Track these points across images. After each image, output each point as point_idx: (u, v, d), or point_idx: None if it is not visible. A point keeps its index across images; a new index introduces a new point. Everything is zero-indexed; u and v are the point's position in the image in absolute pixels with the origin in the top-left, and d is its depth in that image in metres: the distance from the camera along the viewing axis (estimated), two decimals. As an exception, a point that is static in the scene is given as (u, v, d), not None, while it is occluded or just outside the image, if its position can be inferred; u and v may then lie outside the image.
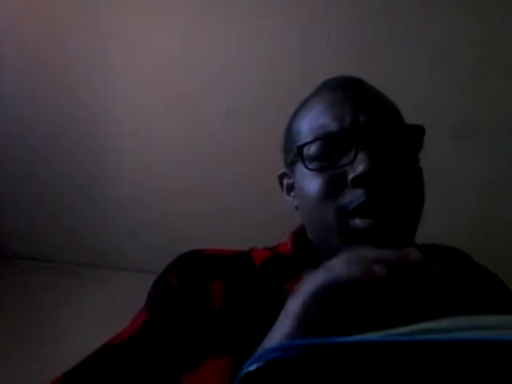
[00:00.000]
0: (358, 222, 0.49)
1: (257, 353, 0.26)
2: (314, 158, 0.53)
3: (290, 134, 0.61)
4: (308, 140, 0.54)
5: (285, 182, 0.63)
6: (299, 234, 0.61)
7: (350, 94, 0.56)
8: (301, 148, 0.53)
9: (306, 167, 0.53)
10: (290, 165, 0.59)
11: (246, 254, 0.59)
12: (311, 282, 0.36)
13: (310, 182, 0.53)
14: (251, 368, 0.24)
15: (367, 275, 0.34)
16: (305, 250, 0.58)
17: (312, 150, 0.53)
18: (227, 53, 1.29)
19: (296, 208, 0.59)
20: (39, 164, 1.52)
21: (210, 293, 0.53)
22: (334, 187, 0.51)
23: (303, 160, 0.53)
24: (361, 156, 0.49)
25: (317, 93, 0.60)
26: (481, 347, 0.22)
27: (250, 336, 0.47)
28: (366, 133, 0.51)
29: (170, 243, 1.19)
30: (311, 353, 0.24)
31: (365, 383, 0.23)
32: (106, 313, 1.35)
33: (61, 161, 1.51)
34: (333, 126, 0.53)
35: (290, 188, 0.61)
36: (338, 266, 0.36)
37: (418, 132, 0.55)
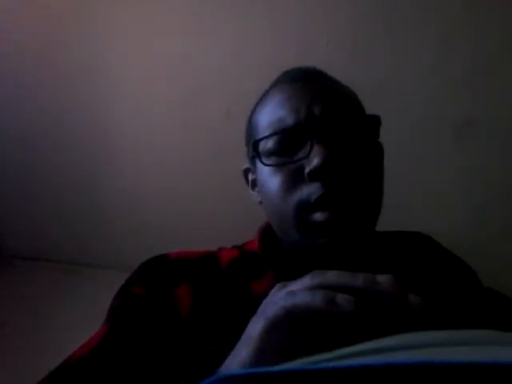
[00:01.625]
0: (315, 215, 0.48)
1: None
2: (271, 153, 0.52)
3: (249, 127, 0.60)
4: (265, 134, 0.53)
5: (249, 177, 0.62)
6: (267, 231, 0.60)
7: (307, 86, 0.55)
8: (256, 143, 0.53)
9: (263, 163, 0.52)
10: (252, 160, 0.58)
11: (214, 255, 0.58)
12: (271, 307, 0.34)
13: (269, 178, 0.52)
14: None
15: (330, 306, 0.31)
16: (272, 247, 0.57)
17: (269, 144, 0.52)
18: (227, 53, 1.29)
19: (260, 203, 0.59)
20: (39, 164, 1.52)
21: (176, 300, 0.51)
22: (291, 182, 0.50)
23: (259, 156, 0.52)
24: (316, 149, 0.49)
25: (275, 84, 0.59)
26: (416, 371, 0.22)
27: (220, 342, 0.46)
28: (321, 125, 0.50)
29: (169, 243, 1.19)
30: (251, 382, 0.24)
31: None
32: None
33: (61, 161, 1.51)
34: (289, 120, 0.52)
35: (254, 183, 0.60)
36: (299, 293, 0.33)
37: (374, 122, 0.55)
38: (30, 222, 1.63)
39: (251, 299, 0.49)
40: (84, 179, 1.53)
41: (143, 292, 0.52)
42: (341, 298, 0.31)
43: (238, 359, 0.34)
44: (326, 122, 0.51)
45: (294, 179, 0.50)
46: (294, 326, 0.32)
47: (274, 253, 0.56)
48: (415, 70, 1.24)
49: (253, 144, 0.53)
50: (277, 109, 0.54)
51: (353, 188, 0.49)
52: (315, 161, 0.48)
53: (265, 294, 0.48)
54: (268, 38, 1.25)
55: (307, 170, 0.49)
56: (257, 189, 0.60)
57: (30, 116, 1.46)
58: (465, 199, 1.32)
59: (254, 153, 0.53)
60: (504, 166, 1.28)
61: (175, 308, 0.51)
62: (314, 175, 0.48)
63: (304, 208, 0.49)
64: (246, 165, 0.62)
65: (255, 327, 0.34)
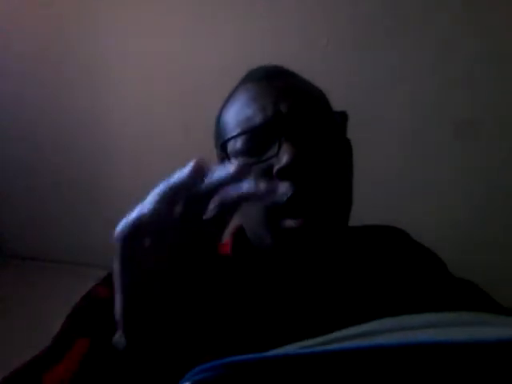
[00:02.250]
0: (287, 222, 0.48)
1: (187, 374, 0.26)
2: (240, 154, 0.51)
3: (218, 128, 0.59)
4: (232, 134, 0.52)
5: None
6: (239, 234, 0.59)
7: (273, 84, 0.54)
8: (225, 144, 0.52)
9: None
10: (221, 161, 0.57)
11: None
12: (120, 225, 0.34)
13: None
14: None
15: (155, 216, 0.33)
16: (245, 250, 0.56)
17: (237, 145, 0.51)
18: (227, 53, 1.28)
19: None
20: (39, 164, 1.52)
21: None
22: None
23: (228, 157, 0.51)
24: (285, 147, 0.48)
25: (241, 84, 0.58)
26: (399, 351, 0.22)
27: (194, 344, 0.45)
28: (289, 122, 0.50)
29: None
30: (233, 371, 0.24)
31: None
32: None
33: (61, 161, 1.51)
34: (256, 119, 0.51)
35: None
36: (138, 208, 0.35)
37: (342, 119, 0.54)
38: (29, 222, 1.63)
39: (225, 304, 0.48)
40: (84, 179, 1.53)
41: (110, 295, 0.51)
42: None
43: (117, 301, 0.33)
44: (293, 119, 0.50)
45: (263, 179, 0.49)
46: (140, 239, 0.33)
47: (247, 257, 0.55)
48: (415, 70, 1.24)
49: (221, 145, 0.52)
50: (243, 108, 0.53)
51: (323, 187, 0.49)
52: (284, 159, 0.47)
53: (237, 303, 0.47)
54: (268, 38, 1.25)
55: (276, 168, 0.48)
56: None
57: (30, 116, 1.46)
58: (465, 199, 1.32)
59: (223, 154, 0.52)
60: (504, 166, 1.28)
61: None
62: (283, 174, 0.47)
63: (275, 210, 0.48)
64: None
65: (115, 257, 0.33)
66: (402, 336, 0.25)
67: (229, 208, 0.31)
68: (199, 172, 0.31)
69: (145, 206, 0.34)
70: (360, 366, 0.23)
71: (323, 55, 1.23)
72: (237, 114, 0.54)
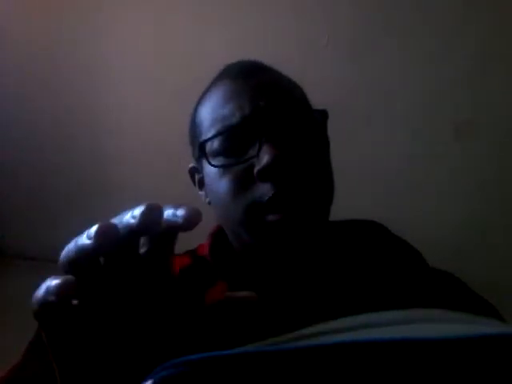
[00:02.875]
0: (267, 217, 0.47)
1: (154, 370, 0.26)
2: (218, 154, 0.50)
3: (193, 126, 0.58)
4: (210, 135, 0.51)
5: (196, 176, 0.60)
6: (217, 234, 0.58)
7: (250, 81, 0.53)
8: (203, 144, 0.50)
9: (211, 164, 0.49)
10: (198, 160, 0.56)
11: None
12: None
13: (217, 179, 0.50)
14: None
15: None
16: (223, 252, 0.55)
17: (215, 144, 0.50)
18: (227, 53, 1.28)
19: (209, 203, 0.57)
20: (39, 164, 1.52)
21: None
22: (241, 183, 0.48)
23: (207, 157, 0.50)
24: (265, 147, 0.47)
25: (217, 81, 0.57)
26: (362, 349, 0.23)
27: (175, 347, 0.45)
28: (268, 121, 0.48)
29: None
30: (193, 368, 0.24)
31: None
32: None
33: (61, 160, 1.51)
34: (234, 118, 0.50)
35: (201, 183, 0.58)
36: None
37: (322, 116, 0.53)
38: (29, 221, 1.63)
39: (205, 309, 0.48)
40: (84, 179, 1.53)
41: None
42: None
43: None
44: (272, 117, 0.49)
45: (244, 180, 0.48)
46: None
47: (225, 259, 0.54)
48: (415, 70, 1.24)
49: (199, 145, 0.51)
50: (220, 107, 0.52)
51: (303, 185, 0.48)
52: (265, 159, 0.46)
53: (217, 305, 0.47)
54: (268, 37, 1.25)
55: (256, 169, 0.47)
56: (204, 189, 0.57)
57: (31, 116, 1.46)
58: (465, 199, 1.32)
59: (201, 153, 0.51)
60: (504, 166, 1.28)
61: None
62: (264, 175, 0.46)
63: (256, 210, 0.47)
64: (192, 164, 0.60)
65: None
66: (369, 333, 0.26)
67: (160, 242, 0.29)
68: (104, 238, 0.27)
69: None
70: (323, 364, 0.23)
71: (323, 55, 1.23)
72: (213, 112, 0.53)
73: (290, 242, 0.47)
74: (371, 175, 1.28)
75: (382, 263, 0.54)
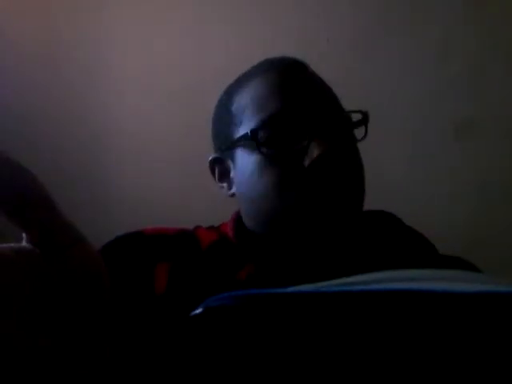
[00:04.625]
0: (319, 206, 0.49)
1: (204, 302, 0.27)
2: (264, 144, 0.50)
3: (228, 116, 0.57)
4: (258, 124, 0.51)
5: (217, 168, 0.60)
6: (239, 220, 0.59)
7: (297, 76, 0.54)
8: (254, 132, 0.50)
9: (261, 153, 0.50)
10: (227, 150, 0.56)
11: (191, 234, 0.56)
12: None
13: (262, 169, 0.50)
14: (193, 313, 0.25)
15: None
16: (247, 237, 0.56)
17: (263, 134, 0.51)
18: (227, 53, 1.29)
19: (232, 195, 0.57)
20: (39, 163, 1.52)
21: (153, 276, 0.49)
22: (289, 175, 0.49)
23: (258, 146, 0.50)
24: (316, 141, 0.48)
25: (259, 72, 0.57)
26: (408, 297, 0.24)
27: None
28: (317, 117, 0.50)
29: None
30: (248, 302, 0.25)
31: (298, 332, 0.25)
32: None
33: (61, 160, 1.51)
34: (284, 111, 0.51)
35: (224, 174, 0.59)
36: None
37: (364, 118, 0.56)
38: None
39: (236, 283, 0.48)
40: (84, 179, 1.53)
41: (117, 267, 0.49)
42: None
43: None
44: (320, 113, 0.51)
45: (292, 171, 0.49)
46: None
47: (250, 241, 0.55)
48: (415, 70, 1.24)
49: (251, 132, 0.50)
50: (266, 97, 0.52)
51: (348, 180, 0.51)
52: (316, 152, 0.48)
53: (248, 280, 0.48)
54: (268, 37, 1.25)
55: (307, 161, 0.48)
56: (228, 181, 0.58)
57: (30, 116, 1.46)
58: (465, 199, 1.32)
59: (247, 141, 0.51)
60: (504, 165, 1.28)
61: (151, 284, 0.49)
62: (315, 166, 0.48)
63: (304, 203, 0.49)
64: (213, 155, 0.60)
65: None
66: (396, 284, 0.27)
67: None
68: None
69: None
70: (372, 308, 0.24)
71: (323, 55, 1.23)
72: (258, 102, 0.53)
73: (335, 229, 0.49)
74: (371, 175, 1.28)
75: (398, 248, 0.55)
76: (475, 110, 1.24)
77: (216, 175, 0.61)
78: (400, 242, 0.57)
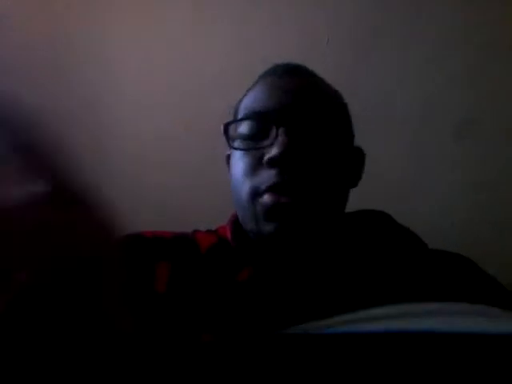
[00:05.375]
0: (265, 198, 0.49)
1: None
2: (239, 138, 0.54)
3: (233, 115, 0.63)
4: (234, 119, 0.57)
5: (228, 164, 0.64)
6: (237, 223, 0.60)
7: (290, 79, 0.57)
8: (226, 126, 0.55)
9: (231, 146, 0.55)
10: (229, 146, 0.60)
11: (190, 237, 0.58)
12: None
13: (236, 162, 0.55)
14: None
15: None
16: (245, 240, 0.57)
17: (239, 129, 0.55)
18: (227, 53, 1.29)
19: None
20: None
21: (154, 274, 0.50)
22: (252, 167, 0.52)
23: (228, 139, 0.55)
24: (280, 138, 0.50)
25: (262, 77, 0.62)
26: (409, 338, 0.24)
27: (201, 317, 0.46)
28: (289, 116, 0.52)
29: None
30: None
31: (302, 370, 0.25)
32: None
33: (61, 161, 1.51)
34: (259, 107, 0.54)
35: None
36: None
37: (359, 156, 0.58)
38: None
39: (236, 285, 0.49)
40: (84, 179, 1.53)
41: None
42: None
43: None
44: (294, 113, 0.52)
45: (255, 165, 0.52)
46: None
47: (248, 244, 0.56)
48: (415, 70, 1.24)
49: (223, 127, 0.56)
50: (254, 98, 0.57)
51: (308, 179, 0.50)
52: (275, 149, 0.49)
53: (248, 282, 0.49)
54: (268, 37, 1.25)
55: (266, 157, 0.51)
56: None
57: (30, 116, 1.46)
58: (465, 199, 1.32)
59: (225, 136, 0.56)
60: (504, 165, 1.28)
61: (152, 282, 0.50)
62: (272, 162, 0.50)
63: (256, 193, 0.51)
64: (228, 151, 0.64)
65: None
66: (407, 323, 0.26)
67: None
68: None
69: None
70: (361, 350, 0.24)
71: (323, 55, 1.23)
72: (246, 103, 0.58)
73: (286, 227, 0.50)
74: (371, 175, 1.28)
75: (391, 249, 0.55)
76: (475, 110, 1.24)
77: (228, 170, 0.64)
78: (391, 241, 0.57)
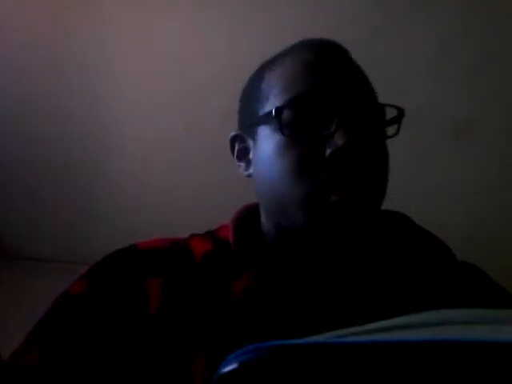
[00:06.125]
0: (332, 197, 0.45)
1: (230, 355, 0.27)
2: (288, 124, 0.47)
3: (256, 92, 0.54)
4: (284, 103, 0.48)
5: (237, 146, 0.57)
6: (244, 218, 0.55)
7: (335, 62, 0.51)
8: (279, 111, 0.47)
9: (283, 134, 0.47)
10: (250, 127, 0.53)
11: (185, 245, 0.53)
12: None
13: (281, 151, 0.47)
14: (225, 370, 0.25)
15: None
16: (250, 240, 0.53)
17: (288, 114, 0.47)
18: (227, 53, 1.29)
19: (248, 176, 0.54)
20: (39, 164, 1.52)
21: (147, 295, 0.47)
22: (308, 160, 0.46)
23: (281, 125, 0.47)
24: (341, 130, 0.45)
25: (294, 50, 0.55)
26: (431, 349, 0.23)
27: (195, 340, 0.44)
28: (347, 103, 0.47)
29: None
30: (277, 354, 0.25)
31: (322, 380, 0.25)
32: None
33: (61, 160, 1.51)
34: (314, 92, 0.48)
35: (243, 153, 0.55)
36: None
37: (399, 115, 0.52)
38: (30, 221, 1.63)
39: (232, 300, 0.46)
40: (84, 179, 1.53)
41: (109, 284, 0.48)
42: None
43: None
44: (351, 100, 0.47)
45: (313, 157, 0.46)
46: None
47: (252, 249, 0.52)
48: (415, 70, 1.24)
49: (275, 111, 0.47)
50: (300, 79, 0.49)
51: (368, 175, 0.47)
52: (340, 142, 0.44)
53: (245, 296, 0.46)
54: (268, 37, 1.25)
55: (330, 150, 0.45)
56: (246, 160, 0.55)
57: (31, 116, 1.46)
58: (465, 199, 1.32)
59: (272, 120, 0.48)
60: (504, 165, 1.28)
61: (144, 303, 0.47)
62: (337, 157, 0.45)
63: (322, 189, 0.45)
64: (235, 132, 0.57)
65: None
66: (439, 332, 0.26)
67: None
68: None
69: None
70: (394, 360, 0.24)
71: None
72: (287, 79, 0.50)
73: (348, 224, 0.46)
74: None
75: (415, 254, 0.53)
76: (475, 110, 1.24)
77: (235, 153, 0.57)
78: (418, 248, 0.55)
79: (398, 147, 1.39)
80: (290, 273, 0.49)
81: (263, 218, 0.54)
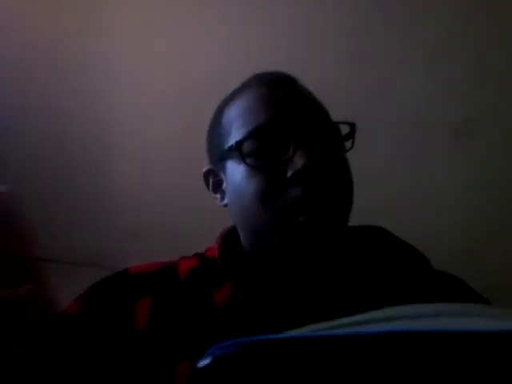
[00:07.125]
0: (300, 218, 0.48)
1: (207, 351, 0.28)
2: (250, 155, 0.51)
3: (218, 129, 0.59)
4: (242, 135, 0.52)
5: (211, 179, 0.61)
6: (228, 237, 0.59)
7: (285, 90, 0.55)
8: (239, 144, 0.51)
9: (246, 164, 0.51)
10: (218, 161, 0.58)
11: (173, 267, 0.57)
12: None
13: (247, 180, 0.51)
14: (200, 365, 0.26)
15: None
16: (233, 255, 0.57)
17: (249, 146, 0.52)
18: (227, 53, 1.29)
19: (225, 206, 0.59)
20: (40, 164, 1.52)
21: (133, 313, 0.51)
22: (272, 185, 0.50)
23: (243, 156, 0.51)
24: (299, 152, 0.49)
25: (248, 86, 0.59)
26: (405, 339, 0.24)
27: (179, 346, 0.47)
28: (301, 127, 0.51)
29: (170, 243, 1.19)
30: (250, 349, 0.26)
31: (295, 374, 0.25)
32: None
33: (61, 161, 1.51)
34: (269, 121, 0.52)
35: (217, 185, 0.60)
36: None
37: (351, 131, 0.56)
38: (29, 222, 1.63)
39: (212, 309, 0.49)
40: (85, 179, 1.53)
41: (78, 309, 0.53)
42: None
43: None
44: (305, 124, 0.51)
45: (275, 182, 0.50)
46: None
47: (234, 261, 0.56)
48: (415, 70, 1.24)
49: (236, 144, 0.52)
50: (254, 110, 0.54)
51: (331, 191, 0.50)
52: (299, 163, 0.48)
53: (225, 306, 0.49)
54: (268, 37, 1.25)
55: (291, 172, 0.49)
56: (221, 192, 0.60)
57: (31, 116, 1.46)
58: (465, 199, 1.32)
59: (233, 153, 0.52)
60: (504, 166, 1.28)
61: (131, 322, 0.50)
62: (298, 178, 0.49)
63: (288, 212, 0.49)
64: (207, 167, 0.62)
65: None
66: (402, 324, 0.27)
67: None
68: None
69: None
70: (360, 351, 0.24)
71: (323, 57, 1.23)
72: (245, 115, 0.54)
73: (318, 241, 0.49)
74: (371, 175, 1.28)
75: (390, 264, 0.55)
76: (475, 110, 1.24)
77: (210, 186, 0.62)
78: (392, 259, 0.57)
79: (398, 147, 1.40)
80: (268, 283, 0.53)
81: (242, 239, 0.58)
